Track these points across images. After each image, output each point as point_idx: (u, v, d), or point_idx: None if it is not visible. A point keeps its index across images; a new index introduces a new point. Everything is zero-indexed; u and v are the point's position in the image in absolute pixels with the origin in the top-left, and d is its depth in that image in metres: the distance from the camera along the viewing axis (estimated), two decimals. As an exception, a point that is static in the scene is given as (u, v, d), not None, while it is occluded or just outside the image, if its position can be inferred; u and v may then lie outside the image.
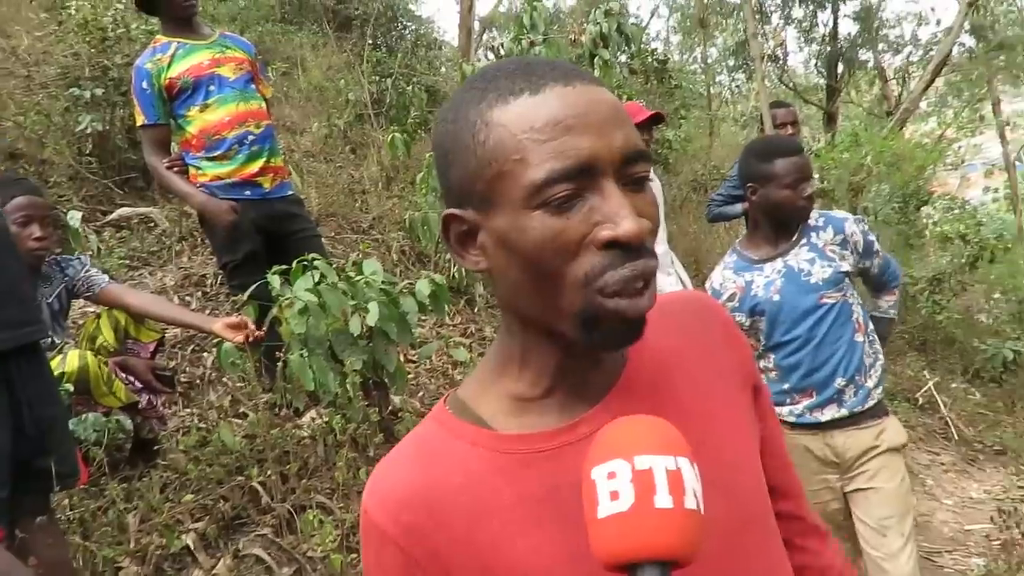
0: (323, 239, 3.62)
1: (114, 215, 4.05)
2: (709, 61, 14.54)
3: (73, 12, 4.49)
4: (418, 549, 0.66)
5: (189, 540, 2.07)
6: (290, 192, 3.05)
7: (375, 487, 0.69)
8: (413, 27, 9.97)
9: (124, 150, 4.34)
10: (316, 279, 2.53)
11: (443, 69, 9.00)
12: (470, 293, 4.31)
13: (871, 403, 2.15)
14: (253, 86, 2.93)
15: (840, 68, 13.15)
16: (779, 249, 2.18)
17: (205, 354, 3.16)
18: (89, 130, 4.11)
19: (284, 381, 2.47)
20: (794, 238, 2.18)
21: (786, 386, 2.18)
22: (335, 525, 2.20)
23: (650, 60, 6.83)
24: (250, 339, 2.25)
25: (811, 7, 12.82)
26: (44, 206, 2.31)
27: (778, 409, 2.22)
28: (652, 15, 15.21)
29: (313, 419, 2.66)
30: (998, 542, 3.01)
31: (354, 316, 2.53)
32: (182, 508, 2.12)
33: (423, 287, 2.73)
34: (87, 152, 4.25)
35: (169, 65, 2.76)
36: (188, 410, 2.84)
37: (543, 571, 0.64)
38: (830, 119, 12.91)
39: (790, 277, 2.14)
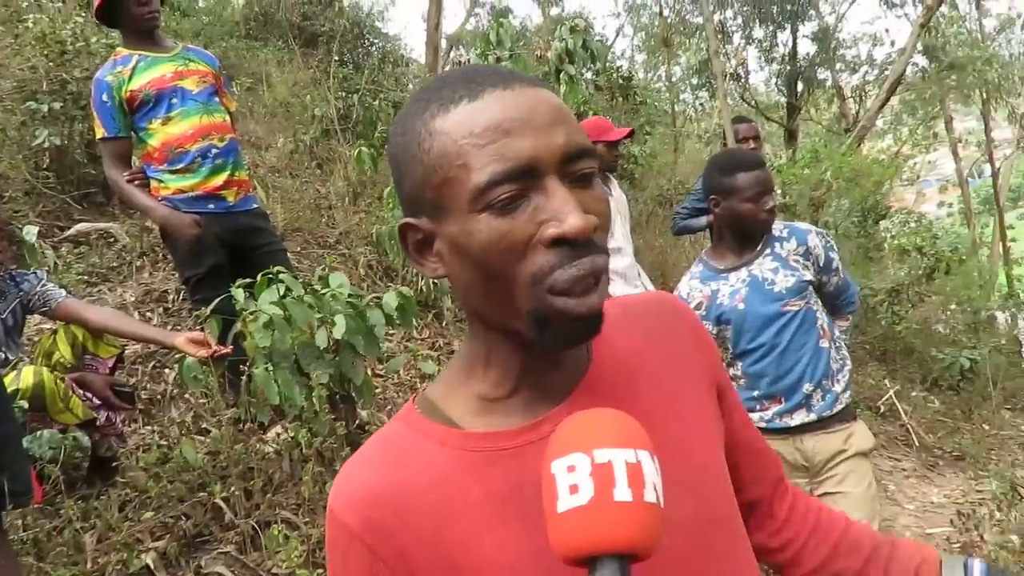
0: (289, 254, 3.58)
1: (72, 231, 3.96)
2: (673, 80, 14.82)
3: (31, 25, 4.41)
4: (385, 548, 0.66)
5: (149, 559, 2.01)
6: (255, 206, 3.02)
7: (341, 487, 0.69)
8: (380, 44, 10.00)
9: (83, 165, 4.26)
10: (281, 292, 2.51)
11: (410, 86, 9.02)
12: (438, 307, 4.29)
13: (839, 407, 2.20)
14: (217, 99, 2.90)
15: (800, 87, 13.51)
16: (744, 259, 2.23)
17: (167, 370, 3.10)
18: (46, 144, 4.03)
19: (248, 395, 2.43)
20: (758, 248, 2.22)
21: (755, 393, 2.22)
22: (301, 540, 2.16)
23: (615, 77, 6.96)
24: (213, 355, 2.21)
25: (771, 28, 13.16)
26: (-2, 220, 2.26)
27: (749, 415, 2.25)
28: (617, 34, 15.48)
29: (279, 434, 2.61)
30: (958, 545, 3.07)
31: (320, 329, 2.50)
32: (142, 526, 2.06)
33: (390, 300, 2.72)
34: (44, 166, 4.17)
35: (130, 78, 2.72)
36: (149, 427, 2.77)
37: (508, 568, 0.64)
38: (791, 136, 13.22)
39: (754, 286, 2.18)
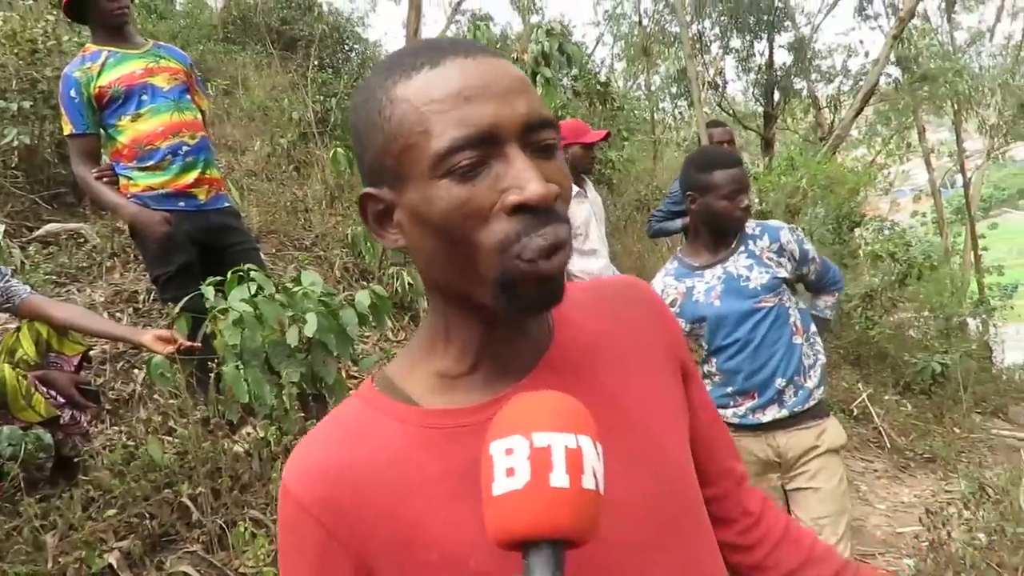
0: (264, 256, 3.55)
1: (41, 231, 3.90)
2: (652, 88, 14.95)
3: (1, 24, 4.35)
4: (340, 526, 0.65)
5: (112, 559, 1.98)
6: (227, 204, 2.99)
7: (295, 463, 0.68)
8: (360, 49, 9.98)
9: (53, 164, 4.20)
10: (253, 291, 2.48)
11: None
12: (414, 309, 4.28)
13: (812, 403, 2.22)
14: (188, 97, 2.88)
15: (776, 96, 13.69)
16: (719, 256, 2.25)
17: (136, 371, 3.05)
18: (16, 143, 3.96)
19: (218, 393, 2.40)
20: (733, 245, 2.25)
21: (729, 389, 2.24)
22: (270, 540, 2.14)
23: (593, 83, 7.01)
24: (180, 350, 2.18)
25: (748, 38, 13.33)
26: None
27: (722, 412, 2.27)
28: (597, 43, 15.59)
29: (248, 433, 2.58)
30: (927, 542, 3.11)
31: (291, 327, 2.48)
32: (104, 525, 2.02)
33: (363, 299, 2.70)
34: (13, 166, 4.10)
35: (99, 74, 2.69)
36: (116, 428, 2.72)
37: (463, 545, 0.63)
38: (767, 144, 13.39)
39: (729, 283, 2.20)
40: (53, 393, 2.26)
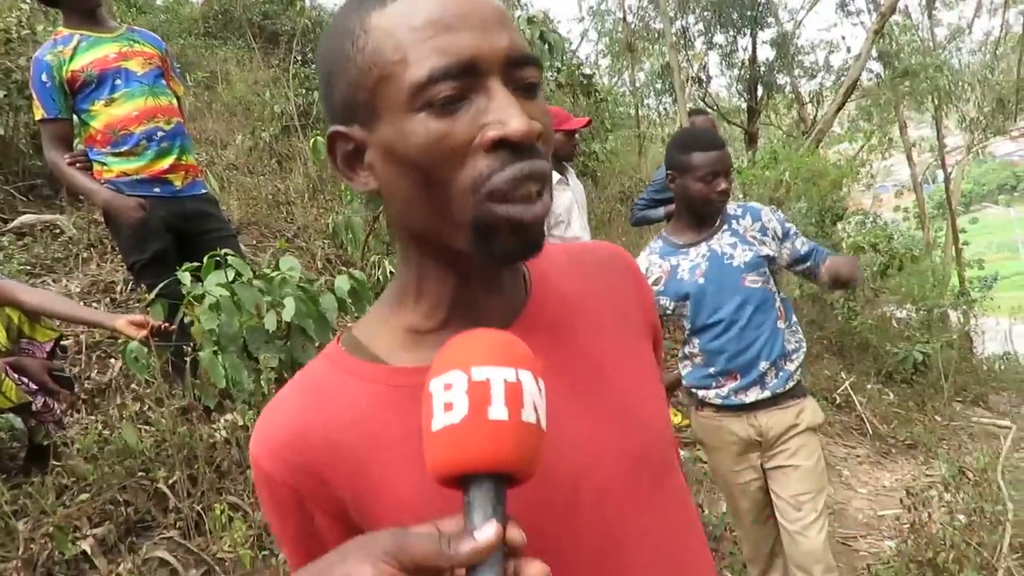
0: (245, 247, 3.52)
1: (16, 222, 3.84)
2: (637, 85, 14.98)
3: (-26, 13, 4.29)
4: (311, 487, 0.64)
5: (86, 545, 1.94)
6: (203, 191, 2.95)
7: (261, 431, 0.67)
8: (342, 44, 9.89)
9: (28, 156, 4.14)
10: (230, 277, 2.45)
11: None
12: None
13: (791, 384, 2.24)
14: (163, 82, 2.84)
15: (760, 91, 13.76)
16: (703, 235, 2.26)
17: (112, 360, 3.01)
18: (-10, 134, 3.91)
19: (194, 378, 2.37)
20: (717, 224, 2.25)
21: (712, 370, 2.24)
22: (248, 526, 2.11)
23: (576, 74, 7.00)
24: (154, 333, 2.14)
25: (732, 33, 13.40)
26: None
27: (704, 392, 2.28)
28: (582, 39, 15.58)
29: (227, 420, 2.55)
30: (908, 524, 3.13)
31: (269, 313, 2.45)
32: (76, 510, 1.99)
33: (343, 284, 2.67)
34: (-13, 157, 4.04)
35: (72, 58, 2.65)
36: (92, 417, 2.69)
37: (425, 505, 0.62)
38: (751, 139, 13.46)
39: (714, 260, 2.21)
40: (25, 380, 2.23)
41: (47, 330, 2.35)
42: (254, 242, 4.44)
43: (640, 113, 13.93)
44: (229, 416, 2.62)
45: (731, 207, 2.28)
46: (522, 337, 0.64)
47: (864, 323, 6.91)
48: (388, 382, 0.66)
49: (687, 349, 2.32)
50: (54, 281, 3.46)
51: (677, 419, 3.82)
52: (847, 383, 5.42)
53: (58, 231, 3.90)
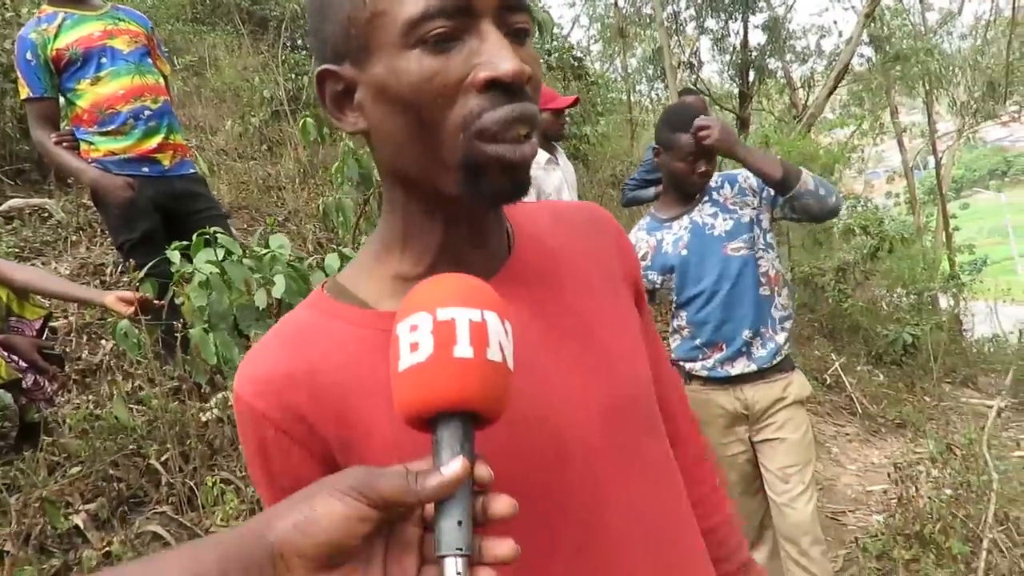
0: (235, 231, 3.50)
1: (3, 206, 3.82)
2: (629, 70, 14.93)
3: (-42, -5, 4.24)
4: (296, 427, 0.64)
5: (79, 520, 1.95)
6: (192, 171, 2.94)
7: (245, 371, 0.67)
8: (332, 30, 9.82)
9: (16, 140, 4.11)
10: (220, 255, 2.44)
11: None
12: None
13: (779, 359, 2.25)
14: (150, 60, 2.82)
15: (751, 76, 13.74)
16: (686, 208, 2.28)
17: (104, 341, 3.01)
18: (-24, 117, 3.88)
19: (185, 354, 2.37)
20: (698, 197, 2.27)
21: (698, 341, 2.27)
22: (240, 500, 2.12)
23: (567, 57, 6.98)
24: (142, 309, 2.14)
25: (723, 18, 13.35)
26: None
27: (691, 364, 2.30)
28: (573, 25, 15.52)
29: (219, 398, 2.56)
30: (896, 498, 3.17)
31: (259, 290, 2.45)
32: (69, 486, 2.00)
33: (332, 262, 2.67)
34: (-26, 141, 4.01)
35: (56, 36, 2.63)
36: (84, 397, 2.68)
37: (411, 447, 0.63)
38: (743, 124, 13.43)
39: (695, 232, 2.23)
40: (15, 358, 2.22)
41: (36, 308, 2.34)
42: (245, 226, 4.43)
43: (632, 99, 13.90)
44: (221, 394, 2.62)
45: (713, 179, 2.29)
46: (506, 288, 0.65)
47: (855, 305, 6.95)
48: (376, 326, 0.66)
49: (675, 323, 2.35)
50: (44, 264, 3.45)
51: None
52: (837, 364, 5.46)
53: (47, 215, 3.88)
